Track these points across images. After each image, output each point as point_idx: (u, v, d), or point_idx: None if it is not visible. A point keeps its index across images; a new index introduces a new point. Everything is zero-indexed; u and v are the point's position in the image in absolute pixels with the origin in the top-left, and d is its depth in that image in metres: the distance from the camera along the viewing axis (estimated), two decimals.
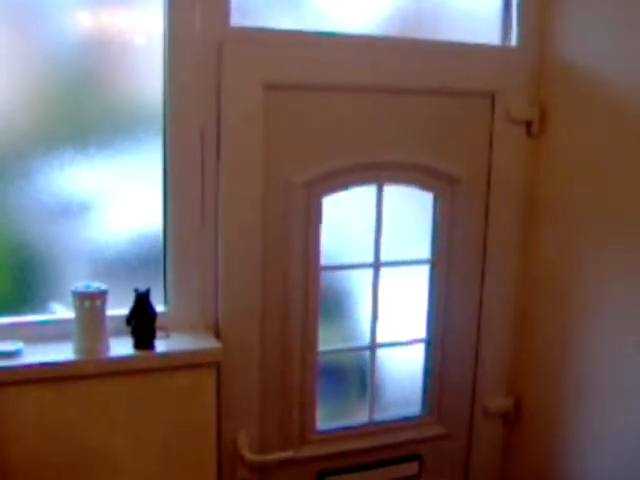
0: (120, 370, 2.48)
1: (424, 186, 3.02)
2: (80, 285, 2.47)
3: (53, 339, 2.53)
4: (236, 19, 2.63)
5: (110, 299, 2.51)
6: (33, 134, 2.58)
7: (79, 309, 2.44)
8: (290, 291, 2.83)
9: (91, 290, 2.45)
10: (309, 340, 2.89)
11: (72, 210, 2.63)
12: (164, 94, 2.61)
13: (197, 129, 2.63)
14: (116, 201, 2.71)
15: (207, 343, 2.62)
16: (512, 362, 3.23)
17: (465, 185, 3.04)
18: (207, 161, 2.66)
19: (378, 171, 2.91)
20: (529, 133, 3.06)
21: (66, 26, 2.56)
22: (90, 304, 2.43)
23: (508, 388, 3.25)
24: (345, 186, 2.88)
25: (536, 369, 3.15)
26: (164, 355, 2.52)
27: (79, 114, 2.64)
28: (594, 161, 2.84)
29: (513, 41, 3.05)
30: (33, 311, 2.61)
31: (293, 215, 2.79)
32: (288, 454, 2.85)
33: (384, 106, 2.86)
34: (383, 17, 2.90)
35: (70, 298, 2.47)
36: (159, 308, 2.67)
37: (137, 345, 2.51)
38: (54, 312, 2.62)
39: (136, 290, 2.51)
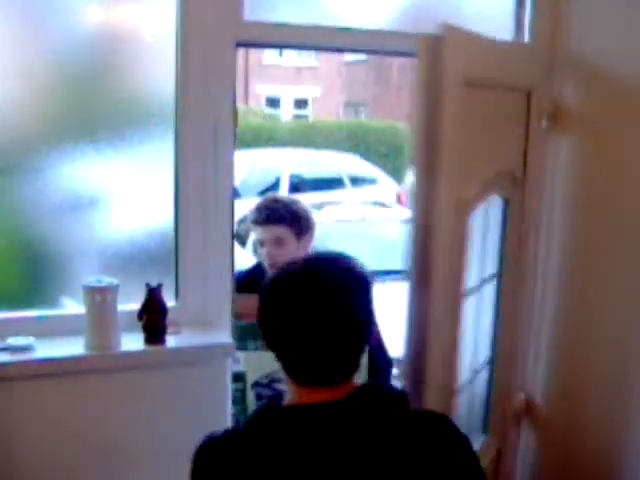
0: (131, 365, 2.48)
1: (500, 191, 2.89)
2: (91, 279, 2.46)
3: (64, 334, 2.51)
4: (250, 14, 2.61)
5: (122, 294, 2.50)
6: (44, 128, 2.58)
7: (90, 304, 2.43)
8: None
9: (102, 285, 2.44)
10: None
11: (83, 205, 2.62)
12: (176, 89, 2.60)
13: (210, 124, 2.61)
14: (127, 196, 2.71)
15: (219, 338, 2.61)
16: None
17: (526, 185, 2.98)
18: (220, 156, 2.65)
19: None
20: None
21: (77, 20, 2.56)
22: (101, 299, 2.42)
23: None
24: None
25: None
26: (175, 350, 2.52)
27: (90, 108, 2.64)
28: (608, 156, 2.82)
29: (526, 37, 3.03)
30: (44, 306, 2.61)
31: None
32: None
33: None
34: (397, 12, 2.89)
35: (81, 293, 2.46)
36: (170, 303, 2.67)
37: (148, 340, 2.50)
38: (65, 307, 2.62)
39: (147, 285, 2.50)
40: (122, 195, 2.69)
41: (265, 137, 17.06)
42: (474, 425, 3.06)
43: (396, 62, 22.37)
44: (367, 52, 3.31)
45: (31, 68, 2.51)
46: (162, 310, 2.51)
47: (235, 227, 8.38)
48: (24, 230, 2.61)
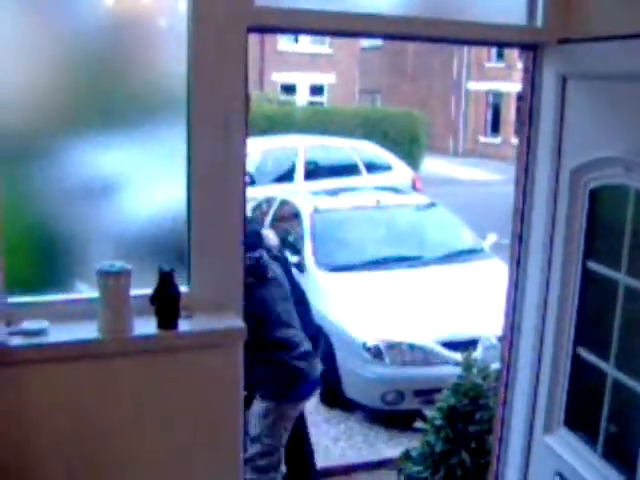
0: (143, 349, 2.51)
1: None
2: (104, 264, 2.48)
3: (79, 318, 2.54)
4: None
5: (136, 279, 2.53)
6: (60, 115, 2.61)
7: (103, 288, 2.46)
8: None
9: (115, 269, 2.46)
10: None
11: (98, 190, 2.65)
12: (188, 75, 2.61)
13: (221, 110, 2.62)
14: (140, 182, 2.74)
15: (230, 322, 2.63)
16: None
17: None
18: (231, 142, 2.66)
19: None
20: None
21: (92, 7, 2.58)
22: (114, 283, 2.45)
23: None
24: None
25: None
26: (187, 334, 2.54)
27: (105, 94, 2.66)
28: None
29: (539, 21, 3.01)
30: (59, 290, 2.64)
31: None
32: None
33: None
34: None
35: (95, 277, 2.49)
36: (183, 289, 2.69)
37: (160, 324, 2.52)
38: (80, 291, 2.65)
39: (160, 269, 2.52)
40: (135, 181, 2.72)
41: (280, 124, 17.06)
42: None
43: (411, 48, 22.33)
44: (384, 37, 3.29)
45: (46, 56, 2.53)
46: (175, 295, 2.53)
47: (249, 213, 8.36)
48: (40, 215, 2.64)
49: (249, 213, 8.89)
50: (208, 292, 2.71)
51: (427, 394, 5.41)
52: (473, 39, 3.07)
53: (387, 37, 3.02)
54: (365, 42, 22.11)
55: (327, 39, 21.51)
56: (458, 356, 4.70)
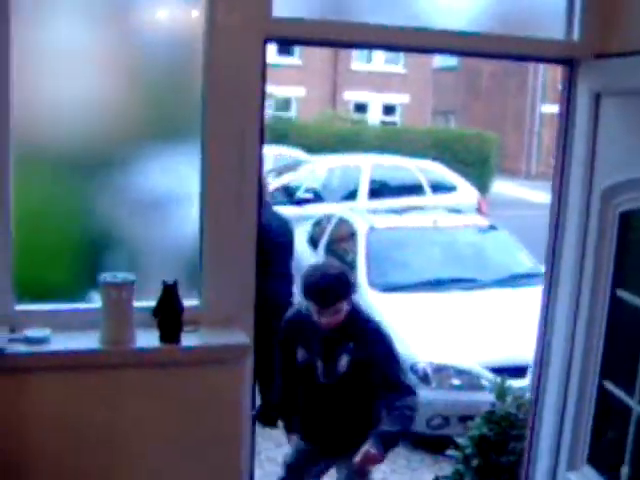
0: (144, 362, 2.47)
1: None
2: (108, 275, 2.45)
3: (84, 328, 2.51)
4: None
5: (146, 291, 2.50)
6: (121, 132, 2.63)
7: (106, 299, 2.43)
8: None
9: (118, 280, 2.43)
10: None
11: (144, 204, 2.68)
12: (203, 89, 2.57)
13: (236, 123, 2.58)
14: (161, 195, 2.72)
15: (235, 338, 2.56)
16: None
17: None
18: (247, 155, 2.61)
19: None
20: None
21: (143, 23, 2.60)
22: (116, 294, 2.42)
23: None
24: None
25: None
26: (190, 349, 2.49)
27: (153, 109, 2.67)
28: None
29: (575, 36, 2.88)
30: (73, 300, 2.63)
31: None
32: None
33: None
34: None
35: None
36: (194, 302, 2.65)
37: (163, 338, 2.48)
38: (94, 301, 2.62)
39: (163, 282, 2.48)
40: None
41: (351, 142, 17.03)
42: None
43: (487, 69, 22.06)
44: (411, 50, 3.21)
45: (114, 72, 2.57)
46: (177, 308, 2.48)
47: (310, 230, 8.34)
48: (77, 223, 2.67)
49: (309, 229, 8.93)
50: (218, 306, 2.66)
51: (473, 420, 5.27)
52: (508, 53, 2.95)
53: (413, 50, 2.93)
54: (439, 62, 21.96)
55: (401, 59, 21.48)
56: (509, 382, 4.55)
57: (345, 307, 3.35)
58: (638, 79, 2.49)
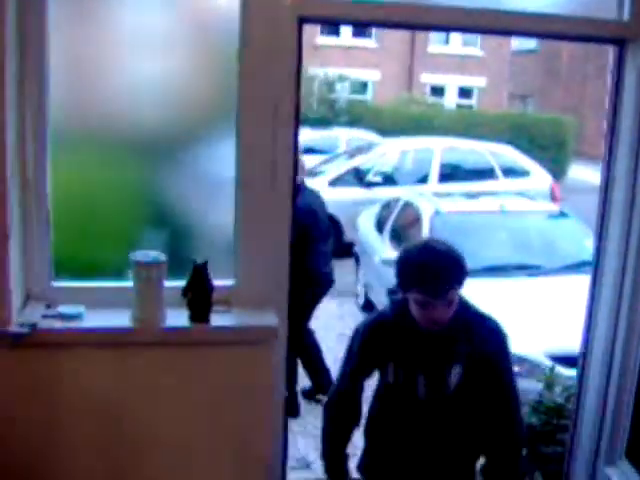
0: (173, 341, 2.49)
1: None
2: (139, 254, 2.48)
3: (118, 306, 2.54)
4: None
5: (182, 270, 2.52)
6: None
7: (136, 278, 2.46)
8: None
9: (148, 260, 2.45)
10: None
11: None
12: (238, 65, 2.56)
13: (270, 104, 2.56)
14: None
15: (266, 320, 2.56)
16: None
17: None
18: (280, 137, 2.59)
19: None
20: None
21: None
22: (146, 273, 2.44)
23: None
24: None
25: None
26: (219, 329, 2.50)
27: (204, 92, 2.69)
28: None
29: (626, 15, 2.76)
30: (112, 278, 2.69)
31: None
32: None
33: None
34: None
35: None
36: (229, 282, 2.66)
37: (192, 318, 2.49)
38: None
39: (194, 262, 2.49)
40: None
41: (426, 126, 16.84)
42: None
43: (566, 52, 21.46)
44: (451, 29, 3.13)
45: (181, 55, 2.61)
46: (207, 288, 2.49)
47: (377, 213, 8.27)
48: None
49: (378, 211, 8.87)
50: (253, 287, 2.66)
51: None
52: (556, 33, 2.85)
53: (454, 29, 2.86)
54: (517, 45, 21.45)
55: (478, 41, 21.06)
56: (570, 372, 4.44)
57: (457, 299, 2.46)
58: None
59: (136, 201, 2.74)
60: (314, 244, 4.53)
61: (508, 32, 3.00)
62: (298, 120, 2.63)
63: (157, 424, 2.50)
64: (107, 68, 2.59)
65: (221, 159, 2.68)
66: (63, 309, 2.49)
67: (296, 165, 2.71)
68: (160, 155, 2.69)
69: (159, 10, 2.61)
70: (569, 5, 2.78)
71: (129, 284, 2.56)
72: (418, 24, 2.89)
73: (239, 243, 2.66)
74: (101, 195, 2.69)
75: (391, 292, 2.66)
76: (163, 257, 2.48)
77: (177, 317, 2.50)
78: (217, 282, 2.57)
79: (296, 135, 2.65)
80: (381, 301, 7.53)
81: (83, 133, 2.63)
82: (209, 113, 2.72)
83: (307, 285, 4.25)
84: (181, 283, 2.53)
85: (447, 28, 2.96)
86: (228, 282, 2.67)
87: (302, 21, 2.55)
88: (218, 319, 2.52)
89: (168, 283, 2.52)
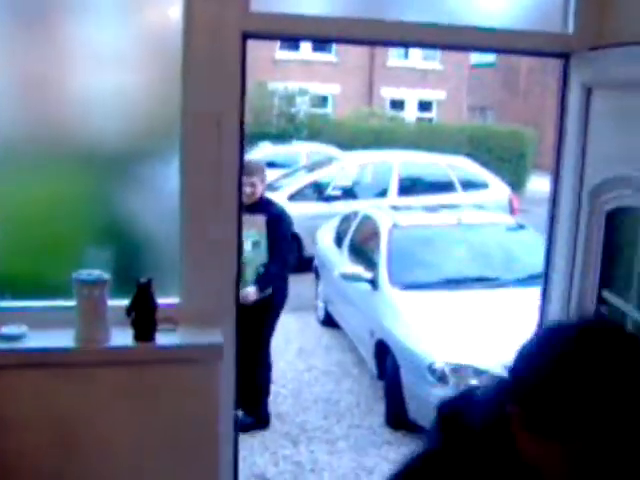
0: (117, 360, 2.45)
1: None
2: (82, 273, 2.44)
3: (61, 325, 2.49)
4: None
5: (125, 289, 2.48)
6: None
7: (79, 297, 2.42)
8: None
9: (91, 278, 2.41)
10: None
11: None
12: (181, 81, 2.54)
13: (214, 120, 2.54)
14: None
15: (210, 338, 2.53)
16: None
17: None
18: (225, 152, 2.57)
19: None
20: None
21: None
22: (89, 292, 2.40)
23: None
24: None
25: None
26: (162, 348, 2.46)
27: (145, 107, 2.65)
28: None
29: (570, 28, 2.79)
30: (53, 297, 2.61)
31: None
32: None
33: None
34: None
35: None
36: (173, 300, 2.63)
37: (137, 337, 2.46)
38: None
39: (137, 280, 2.45)
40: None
41: (386, 139, 16.94)
42: None
43: (524, 66, 21.77)
44: (395, 45, 3.14)
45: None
46: (151, 306, 2.45)
47: (337, 225, 8.27)
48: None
49: (337, 225, 8.88)
50: (199, 306, 2.62)
51: None
52: (502, 47, 2.88)
53: (397, 44, 2.86)
54: (477, 58, 21.71)
55: (437, 55, 21.28)
56: None
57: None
58: (627, 70, 2.40)
59: (80, 218, 2.68)
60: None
61: (461, 47, 2.98)
62: (242, 136, 2.61)
63: (103, 443, 2.46)
64: (52, 81, 2.54)
65: (167, 175, 2.64)
66: (5, 329, 2.43)
67: (241, 182, 2.69)
68: (105, 171, 2.64)
69: (107, 24, 2.58)
70: (521, 19, 2.79)
71: (73, 303, 2.54)
72: (368, 39, 2.88)
73: (184, 261, 2.63)
74: (45, 212, 2.64)
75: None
76: (106, 276, 2.44)
77: (122, 336, 2.46)
78: (163, 300, 2.55)
79: (241, 150, 2.62)
80: (341, 314, 7.56)
81: (26, 147, 2.58)
82: (155, 129, 2.69)
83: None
84: (126, 302, 2.49)
85: (399, 43, 2.95)
86: (174, 300, 2.64)
87: (246, 37, 2.54)
88: (163, 338, 2.49)
89: (113, 302, 2.49)
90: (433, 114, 22.62)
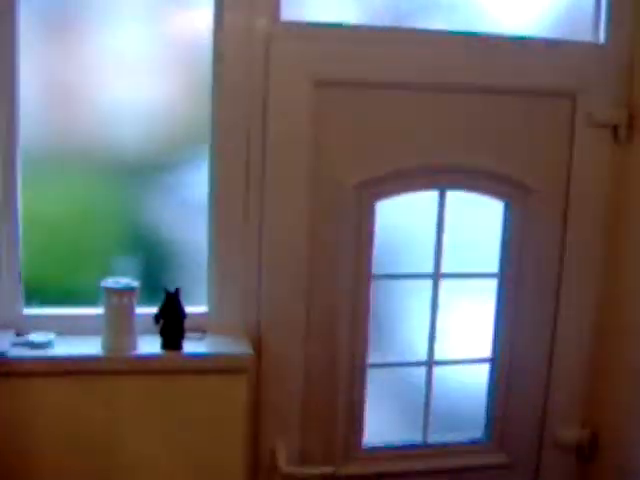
0: (145, 369, 2.44)
1: (493, 194, 2.80)
2: (110, 280, 2.44)
3: (90, 333, 2.50)
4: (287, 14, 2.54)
5: (155, 297, 2.49)
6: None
7: (107, 305, 2.42)
8: (338, 299, 2.70)
9: (119, 286, 2.41)
10: (358, 352, 2.75)
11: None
12: (211, 92, 2.55)
13: (244, 128, 2.55)
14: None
15: (238, 348, 2.52)
16: (589, 389, 2.93)
17: (541, 194, 2.79)
18: (252, 160, 2.58)
19: (440, 176, 2.73)
20: (616, 139, 2.76)
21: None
22: (118, 300, 2.40)
23: (584, 418, 2.95)
24: (402, 190, 2.71)
25: (617, 398, 2.84)
26: (190, 357, 2.46)
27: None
28: None
29: (601, 37, 2.76)
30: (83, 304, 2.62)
31: (343, 219, 2.66)
32: (329, 469, 2.69)
33: (447, 106, 2.67)
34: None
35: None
36: (202, 308, 2.63)
37: (164, 345, 2.45)
38: None
39: (165, 289, 2.45)
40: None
41: None
42: None
43: None
44: None
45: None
46: (180, 315, 2.45)
47: None
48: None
49: None
50: (226, 314, 2.64)
51: None
52: None
53: None
54: None
55: None
56: None
57: None
58: None
59: (109, 226, 2.69)
60: None
61: None
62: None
63: (128, 453, 2.45)
64: (81, 88, 2.54)
65: (197, 185, 2.64)
66: (33, 337, 2.44)
67: None
68: (135, 180, 2.64)
69: (135, 32, 2.58)
70: None
71: (101, 311, 2.53)
72: None
73: (213, 270, 2.63)
74: (74, 220, 2.65)
75: None
76: (135, 283, 2.44)
77: (149, 344, 2.46)
78: (192, 309, 2.55)
79: None
80: None
81: (57, 155, 2.58)
82: (186, 138, 2.68)
83: None
84: (154, 310, 2.49)
85: None
86: (203, 309, 2.64)
87: None
88: (191, 346, 2.48)
89: (141, 310, 2.49)
90: None
